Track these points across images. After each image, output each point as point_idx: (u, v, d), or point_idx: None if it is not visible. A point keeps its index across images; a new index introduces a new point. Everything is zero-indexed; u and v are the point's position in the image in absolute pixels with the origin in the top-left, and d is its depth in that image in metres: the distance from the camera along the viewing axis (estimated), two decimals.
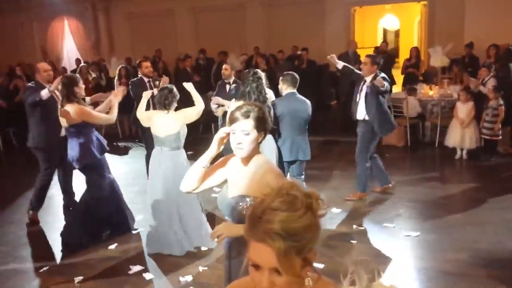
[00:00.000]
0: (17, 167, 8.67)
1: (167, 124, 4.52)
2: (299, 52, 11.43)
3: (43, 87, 5.39)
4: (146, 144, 6.59)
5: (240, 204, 2.33)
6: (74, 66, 13.56)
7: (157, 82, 6.21)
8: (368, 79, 5.50)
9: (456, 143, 7.47)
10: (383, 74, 5.53)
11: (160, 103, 4.55)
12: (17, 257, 4.86)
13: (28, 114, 5.61)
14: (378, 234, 4.96)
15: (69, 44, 16.05)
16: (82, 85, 5.01)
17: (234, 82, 7.01)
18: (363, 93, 5.60)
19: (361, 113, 5.63)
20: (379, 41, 17.30)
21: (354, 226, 5.14)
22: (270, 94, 4.96)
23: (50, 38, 15.97)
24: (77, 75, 5.51)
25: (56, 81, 5.27)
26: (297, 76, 5.15)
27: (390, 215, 5.41)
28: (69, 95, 4.84)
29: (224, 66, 7.22)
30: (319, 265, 4.30)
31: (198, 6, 14.07)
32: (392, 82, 10.45)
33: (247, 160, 2.41)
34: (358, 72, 5.81)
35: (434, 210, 5.53)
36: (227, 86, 7.03)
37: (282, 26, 13.36)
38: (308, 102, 5.12)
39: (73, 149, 4.89)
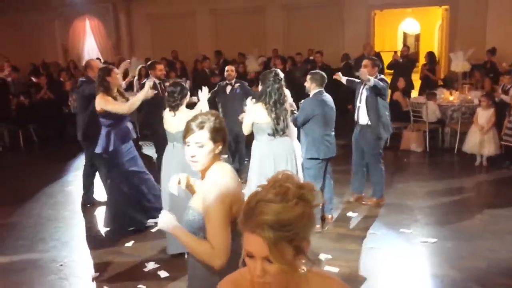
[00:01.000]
0: (37, 163, 8.80)
1: (177, 121, 4.51)
2: (311, 58, 11.41)
3: (92, 85, 5.51)
4: (156, 146, 6.63)
5: (188, 214, 2.26)
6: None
7: (167, 84, 6.21)
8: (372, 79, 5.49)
9: (475, 149, 7.36)
10: (382, 76, 5.63)
11: (168, 105, 4.57)
12: (35, 251, 4.93)
13: (80, 108, 5.76)
14: (394, 240, 4.91)
15: (90, 43, 16.24)
16: (115, 74, 5.09)
17: (236, 82, 6.98)
18: (363, 97, 5.59)
19: (363, 118, 5.62)
20: (399, 45, 17.19)
21: (370, 231, 5.10)
22: (288, 97, 4.96)
23: (71, 37, 16.18)
24: (112, 66, 5.54)
25: (122, 66, 5.51)
26: (325, 75, 5.15)
27: (407, 221, 5.35)
28: (99, 86, 5.00)
29: (228, 68, 7.10)
30: (333, 269, 4.29)
31: (218, 8, 14.13)
32: (411, 86, 10.39)
33: (204, 172, 2.27)
34: (357, 80, 5.85)
35: (452, 217, 5.46)
36: (228, 88, 6.96)
37: (301, 29, 13.35)
38: (332, 99, 5.14)
39: (100, 138, 5.07)
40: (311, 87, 5.07)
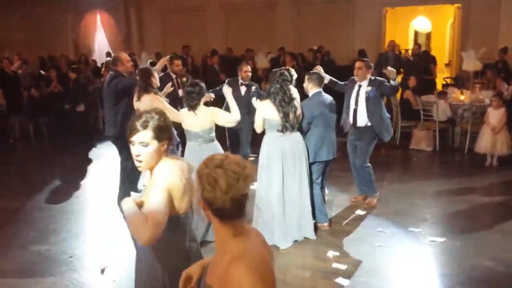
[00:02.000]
0: (47, 156, 8.87)
1: (199, 119, 4.57)
2: (315, 47, 11.34)
3: (126, 78, 5.55)
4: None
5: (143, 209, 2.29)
6: (104, 60, 13.78)
7: (184, 79, 6.23)
8: (364, 83, 5.43)
9: (487, 149, 7.32)
10: (379, 78, 5.50)
11: (187, 104, 4.62)
12: (45, 242, 4.98)
13: (111, 103, 5.62)
14: (403, 238, 4.91)
15: (100, 37, 16.32)
16: (156, 76, 5.19)
17: (252, 85, 6.73)
18: (361, 99, 5.46)
19: (362, 120, 5.51)
20: (410, 43, 17.08)
21: (379, 229, 5.10)
22: (294, 94, 4.88)
23: (82, 31, 16.27)
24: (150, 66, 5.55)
25: (161, 61, 5.52)
26: (323, 75, 5.14)
27: (416, 220, 5.34)
28: (147, 86, 5.01)
29: (245, 68, 6.73)
30: (342, 267, 4.30)
31: (229, 3, 14.14)
32: (423, 85, 10.32)
33: (151, 170, 2.30)
34: (341, 83, 5.75)
35: (461, 216, 5.44)
36: (243, 88, 6.69)
37: (312, 25, 13.32)
38: (333, 99, 5.09)
39: None
40: (309, 87, 5.04)
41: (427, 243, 4.78)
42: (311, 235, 4.84)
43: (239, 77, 6.76)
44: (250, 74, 6.76)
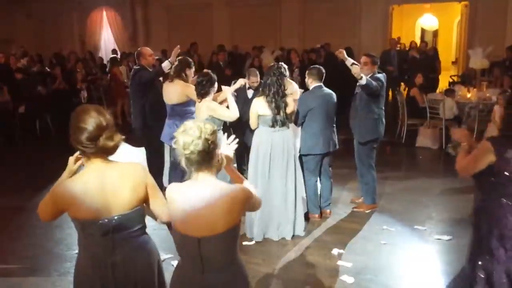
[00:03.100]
0: (53, 153, 8.88)
1: (199, 109, 4.79)
2: (318, 45, 11.30)
3: (147, 71, 5.74)
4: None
5: None
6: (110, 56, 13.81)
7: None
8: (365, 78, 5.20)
9: None
10: (377, 75, 5.23)
11: (197, 92, 4.78)
12: (51, 238, 5.01)
13: (137, 95, 5.85)
14: (408, 236, 4.89)
15: (106, 34, 16.36)
16: (193, 70, 5.39)
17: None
18: (358, 95, 5.32)
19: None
20: (416, 41, 16.98)
21: (384, 227, 5.08)
22: (295, 87, 4.98)
23: (89, 28, 16.31)
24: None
25: (174, 51, 5.61)
26: (323, 70, 5.17)
27: (421, 218, 5.32)
28: (181, 73, 5.23)
29: (254, 80, 5.98)
30: (347, 264, 4.29)
31: (235, 0, 14.12)
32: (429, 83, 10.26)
33: None
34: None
35: (466, 214, 5.38)
36: (250, 92, 6.20)
37: (318, 22, 13.28)
38: (334, 94, 5.13)
39: (171, 128, 5.18)
40: (309, 81, 5.13)
41: (432, 241, 4.76)
42: (288, 235, 4.81)
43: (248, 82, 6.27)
44: (257, 84, 6.08)
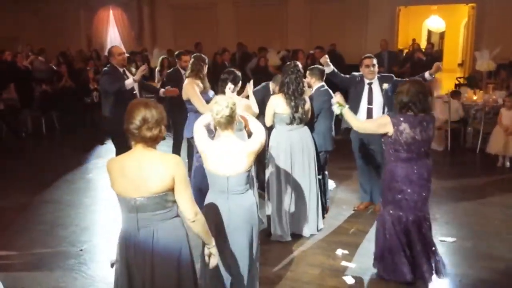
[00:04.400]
0: (58, 150, 8.94)
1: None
2: (311, 51, 11.25)
3: (118, 71, 5.62)
4: (175, 133, 6.83)
5: None
6: None
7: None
8: (375, 81, 5.23)
9: (499, 150, 7.24)
10: (386, 74, 5.38)
11: (221, 90, 4.68)
12: (55, 235, 5.02)
13: (104, 92, 5.78)
14: None
15: (113, 33, 16.41)
16: (206, 67, 5.44)
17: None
18: (376, 97, 5.21)
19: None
20: (423, 43, 16.95)
21: None
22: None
23: (95, 27, 16.37)
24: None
25: (140, 70, 5.58)
26: (324, 69, 5.21)
27: None
28: (198, 72, 5.30)
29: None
30: (350, 265, 4.28)
31: (241, 0, 14.13)
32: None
33: None
34: (343, 75, 5.47)
35: (472, 217, 5.38)
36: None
37: (324, 23, 13.26)
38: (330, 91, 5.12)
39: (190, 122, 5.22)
40: (311, 81, 5.17)
41: (437, 243, 4.69)
42: (314, 231, 4.90)
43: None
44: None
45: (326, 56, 5.44)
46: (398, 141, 3.75)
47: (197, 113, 5.15)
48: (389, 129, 3.75)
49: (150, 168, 2.49)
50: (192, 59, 5.44)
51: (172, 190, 2.52)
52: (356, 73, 5.42)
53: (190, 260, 2.67)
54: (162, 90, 6.02)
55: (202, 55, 5.56)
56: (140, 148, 2.53)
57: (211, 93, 5.43)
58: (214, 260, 2.77)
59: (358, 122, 4.26)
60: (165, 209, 2.55)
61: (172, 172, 2.49)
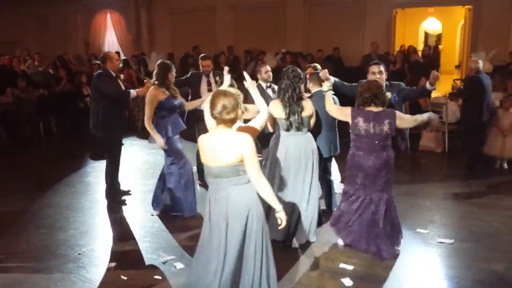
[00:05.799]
0: (57, 154, 8.93)
1: None
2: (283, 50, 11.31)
3: (111, 75, 5.70)
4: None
5: None
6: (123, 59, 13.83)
7: (217, 78, 6.17)
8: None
9: (496, 152, 7.26)
10: (395, 83, 5.23)
11: None
12: (54, 239, 5.02)
13: (95, 99, 5.85)
14: (411, 240, 4.87)
15: (110, 37, 16.41)
16: (174, 73, 5.41)
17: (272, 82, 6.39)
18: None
19: None
20: (420, 45, 16.99)
21: None
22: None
23: (93, 30, 16.36)
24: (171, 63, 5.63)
25: (144, 88, 5.54)
26: (329, 77, 5.14)
27: (424, 221, 5.31)
28: (163, 80, 5.27)
29: (266, 69, 6.01)
30: (349, 267, 4.29)
31: (239, 3, 14.14)
32: None
33: None
34: (347, 84, 5.36)
35: (470, 218, 5.40)
36: (269, 91, 6.03)
37: (322, 26, 13.28)
38: (336, 98, 5.00)
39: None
40: (310, 86, 5.19)
41: (435, 245, 4.75)
42: (302, 242, 4.74)
43: (260, 81, 5.99)
44: (271, 73, 6.06)
45: (326, 70, 5.20)
46: (354, 132, 4.38)
47: (164, 119, 5.29)
48: (349, 120, 4.39)
49: (226, 144, 3.09)
50: (156, 68, 5.33)
51: (242, 161, 3.07)
52: (363, 81, 5.12)
53: (260, 216, 3.22)
54: (132, 91, 5.81)
55: (166, 62, 5.45)
56: (221, 128, 3.15)
57: (178, 100, 5.38)
58: (282, 224, 3.21)
59: (331, 106, 4.67)
60: (238, 176, 3.13)
61: (242, 148, 3.05)
